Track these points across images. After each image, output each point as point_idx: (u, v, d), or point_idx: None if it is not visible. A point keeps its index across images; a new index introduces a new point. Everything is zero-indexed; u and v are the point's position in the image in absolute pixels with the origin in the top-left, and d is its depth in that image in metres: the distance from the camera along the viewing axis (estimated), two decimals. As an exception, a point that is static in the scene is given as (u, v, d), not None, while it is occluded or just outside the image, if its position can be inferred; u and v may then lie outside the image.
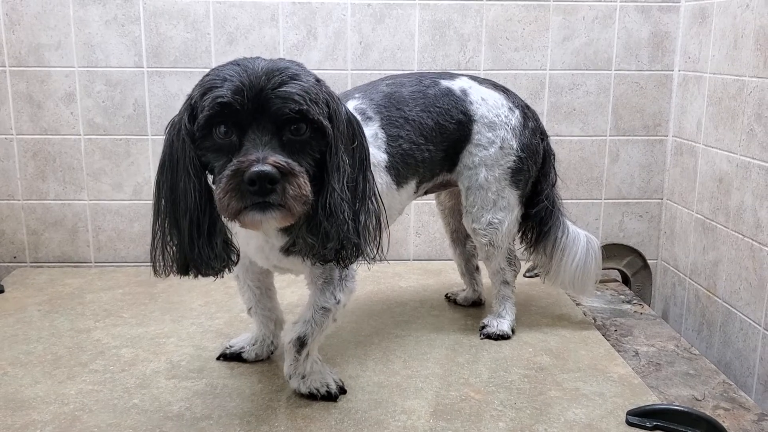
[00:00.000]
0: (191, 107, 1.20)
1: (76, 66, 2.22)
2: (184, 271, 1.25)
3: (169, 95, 2.25)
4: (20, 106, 2.24)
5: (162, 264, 1.26)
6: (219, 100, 1.14)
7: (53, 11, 2.18)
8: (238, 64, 1.18)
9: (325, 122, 1.19)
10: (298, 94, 1.15)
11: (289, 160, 1.14)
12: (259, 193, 1.11)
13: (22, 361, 1.65)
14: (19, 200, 2.31)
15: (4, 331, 1.82)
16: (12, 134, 2.26)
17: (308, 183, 1.16)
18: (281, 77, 1.16)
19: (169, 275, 1.28)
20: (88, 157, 2.29)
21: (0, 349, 1.71)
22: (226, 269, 1.27)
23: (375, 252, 1.33)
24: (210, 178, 1.23)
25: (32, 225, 2.33)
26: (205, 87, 1.17)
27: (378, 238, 1.33)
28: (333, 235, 1.24)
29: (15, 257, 2.35)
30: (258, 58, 1.21)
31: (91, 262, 2.37)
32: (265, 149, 1.13)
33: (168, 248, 1.25)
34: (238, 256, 1.29)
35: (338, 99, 1.27)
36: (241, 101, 1.14)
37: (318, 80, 1.23)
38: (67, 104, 2.25)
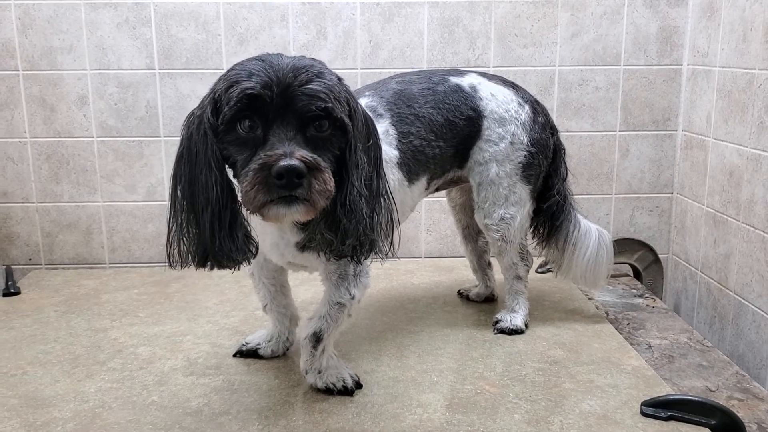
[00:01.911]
0: (214, 101, 1.21)
1: (89, 69, 2.25)
2: (202, 263, 1.25)
3: (180, 96, 2.27)
4: (33, 109, 2.26)
5: (178, 256, 1.26)
6: (249, 92, 1.15)
7: (65, 15, 2.21)
8: (263, 60, 1.19)
9: (347, 120, 1.21)
10: (324, 92, 1.17)
11: (315, 156, 1.16)
12: (287, 187, 1.12)
13: (41, 361, 1.67)
14: (33, 203, 2.33)
15: (22, 331, 1.84)
16: (26, 137, 2.28)
17: (332, 178, 1.18)
18: (307, 75, 1.17)
19: (184, 267, 1.28)
20: (102, 159, 2.31)
21: (19, 349, 1.73)
22: (246, 261, 1.28)
23: (388, 248, 1.35)
24: (230, 171, 1.24)
25: (47, 227, 2.35)
26: (231, 80, 1.18)
27: (390, 235, 1.35)
28: (352, 232, 1.25)
29: (30, 259, 2.37)
30: (280, 54, 1.22)
31: (105, 264, 2.39)
32: (291, 144, 1.15)
33: (185, 240, 1.25)
34: (257, 248, 1.30)
35: (356, 98, 1.29)
36: (270, 95, 1.15)
37: (339, 79, 1.24)
38: (79, 107, 2.27)
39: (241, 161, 1.19)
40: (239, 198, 1.22)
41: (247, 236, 1.26)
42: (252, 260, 1.30)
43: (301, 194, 1.14)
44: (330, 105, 1.17)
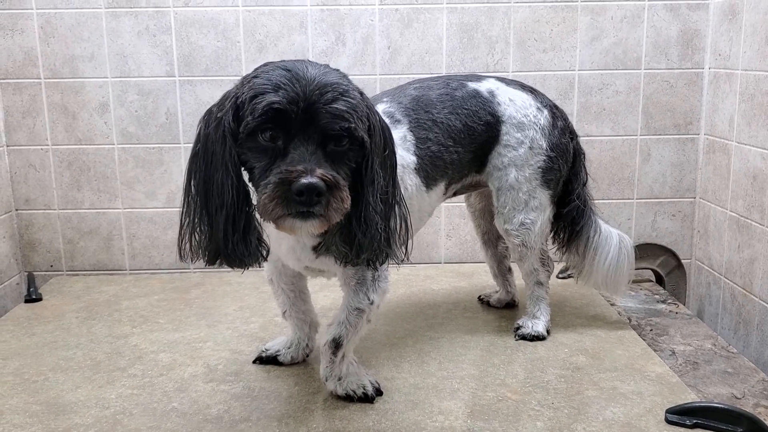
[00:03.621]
0: (237, 107, 1.20)
1: (110, 76, 2.26)
2: (212, 261, 1.26)
3: (200, 103, 2.28)
4: (55, 116, 2.28)
5: (189, 250, 1.27)
6: (275, 106, 1.15)
7: (86, 23, 2.22)
8: (289, 70, 1.18)
9: (366, 137, 1.21)
10: (348, 112, 1.17)
11: (334, 173, 1.16)
12: (305, 204, 1.13)
13: (62, 367, 1.67)
14: (55, 209, 2.35)
15: (43, 337, 1.85)
16: (48, 145, 2.30)
17: (349, 196, 1.18)
18: (333, 93, 1.17)
19: (195, 261, 1.28)
20: (122, 166, 2.32)
21: (40, 355, 1.74)
22: (256, 264, 1.28)
23: (403, 254, 1.35)
24: (245, 174, 1.24)
25: (68, 234, 2.37)
26: (257, 90, 1.17)
27: (405, 241, 1.35)
28: (366, 246, 1.27)
29: (52, 266, 2.39)
30: (305, 62, 1.21)
31: (126, 270, 2.40)
32: (311, 159, 1.15)
33: (196, 236, 1.26)
34: (269, 251, 1.29)
35: (376, 110, 1.29)
36: (295, 111, 1.15)
37: (361, 93, 1.24)
38: (100, 114, 2.28)
39: (259, 169, 1.19)
40: (254, 202, 1.22)
41: (260, 240, 1.27)
42: (263, 262, 1.30)
43: (318, 210, 1.14)
44: (353, 125, 1.17)
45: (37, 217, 2.35)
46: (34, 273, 2.32)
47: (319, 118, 1.16)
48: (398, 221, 1.32)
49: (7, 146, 2.30)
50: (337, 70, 1.24)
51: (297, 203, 1.13)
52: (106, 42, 2.24)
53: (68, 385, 1.58)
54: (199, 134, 1.26)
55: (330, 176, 1.14)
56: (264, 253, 1.28)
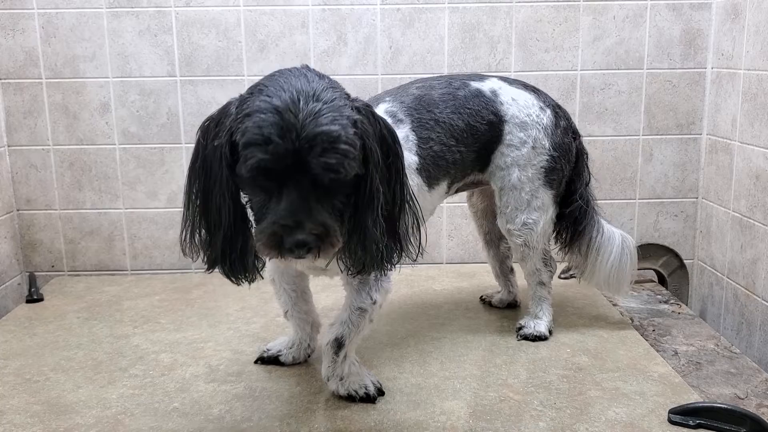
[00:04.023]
0: (232, 143, 1.18)
1: (111, 76, 2.26)
2: (211, 267, 1.28)
3: (201, 103, 2.28)
4: (56, 117, 2.28)
5: (190, 249, 1.28)
6: (263, 164, 1.15)
7: (88, 23, 2.22)
8: (280, 112, 1.14)
9: (360, 170, 1.20)
10: (339, 163, 1.15)
11: (326, 218, 1.18)
12: (297, 255, 1.17)
13: (63, 367, 1.67)
14: (56, 210, 2.34)
15: (45, 338, 1.84)
16: (49, 145, 2.30)
17: (341, 237, 1.20)
18: (323, 145, 1.14)
19: (196, 260, 1.30)
20: (123, 166, 2.32)
21: (42, 356, 1.74)
22: (255, 281, 1.31)
23: (417, 252, 1.35)
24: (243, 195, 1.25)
25: (69, 234, 2.36)
26: (248, 139, 1.15)
27: (418, 238, 1.35)
28: (368, 263, 1.27)
29: (53, 266, 2.38)
30: (299, 92, 1.17)
31: (127, 270, 2.40)
32: (302, 206, 1.16)
33: (196, 240, 1.27)
34: (264, 264, 1.31)
35: (374, 130, 1.24)
36: (284, 165, 1.15)
37: (355, 123, 1.19)
38: (102, 114, 2.28)
39: (256, 204, 1.21)
40: (252, 222, 1.25)
41: (257, 257, 1.28)
42: (258, 278, 1.32)
43: (311, 254, 1.18)
44: (344, 173, 1.16)
45: (38, 218, 2.35)
46: (36, 273, 2.32)
47: (311, 169, 1.15)
48: (410, 220, 1.32)
49: (9, 146, 2.29)
50: (333, 87, 1.21)
51: (289, 252, 1.16)
52: (107, 42, 2.24)
53: (69, 385, 1.58)
54: (197, 146, 1.25)
55: (320, 228, 1.16)
56: (259, 267, 1.30)
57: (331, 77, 1.26)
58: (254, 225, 1.22)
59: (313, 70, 1.25)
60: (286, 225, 1.15)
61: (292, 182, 1.16)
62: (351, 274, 1.32)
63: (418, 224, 1.33)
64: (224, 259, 1.25)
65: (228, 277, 1.28)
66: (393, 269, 1.36)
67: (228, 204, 1.21)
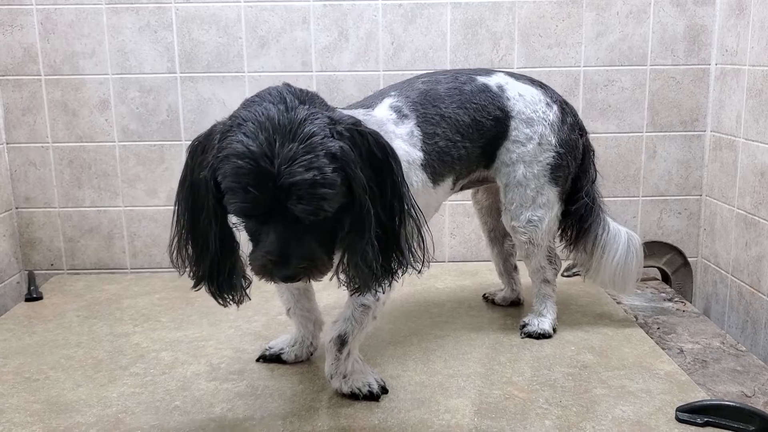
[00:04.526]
0: (215, 180, 1.19)
1: (110, 73, 2.24)
2: (197, 285, 1.30)
3: (202, 100, 2.26)
4: (56, 114, 2.26)
5: (178, 262, 1.30)
6: (244, 210, 1.18)
7: (87, 19, 2.20)
8: (255, 159, 1.13)
9: (344, 200, 1.19)
10: (317, 206, 1.15)
11: (313, 249, 1.20)
12: (288, 283, 1.27)
13: (63, 366, 1.65)
14: (55, 208, 2.33)
15: (44, 336, 1.83)
16: (48, 142, 2.28)
17: (329, 263, 1.24)
18: (298, 193, 1.14)
19: (183, 273, 1.31)
20: (123, 164, 2.30)
21: (41, 354, 1.72)
22: (242, 302, 1.32)
23: (421, 263, 1.32)
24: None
25: (69, 232, 2.35)
26: (228, 183, 1.16)
27: (422, 248, 1.32)
28: (362, 285, 1.26)
29: (52, 264, 2.37)
30: (276, 130, 1.15)
31: (127, 269, 2.38)
32: (288, 238, 1.18)
33: (184, 252, 1.29)
34: (250, 284, 1.32)
35: (360, 151, 1.21)
36: (265, 210, 1.17)
37: (334, 157, 1.17)
38: (101, 111, 2.26)
39: (247, 229, 1.24)
40: (239, 242, 1.28)
41: (244, 277, 1.30)
42: (245, 299, 1.33)
43: (302, 281, 1.25)
44: (323, 213, 1.17)
45: (37, 216, 2.33)
46: (35, 272, 2.30)
47: (292, 211, 1.16)
48: (413, 231, 1.29)
49: (7, 144, 2.27)
50: (312, 114, 1.18)
51: (280, 281, 1.23)
52: (106, 38, 2.22)
53: (69, 384, 1.56)
54: (186, 167, 1.25)
55: (306, 261, 1.19)
56: (246, 287, 1.32)
57: (312, 91, 1.26)
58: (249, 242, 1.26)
59: (293, 90, 1.22)
60: (273, 260, 1.19)
61: (277, 218, 1.17)
62: (349, 292, 1.32)
63: (422, 235, 1.30)
64: (212, 281, 1.28)
65: (215, 297, 1.30)
66: (390, 286, 1.34)
67: (215, 231, 1.23)
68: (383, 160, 1.23)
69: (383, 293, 1.40)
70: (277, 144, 1.14)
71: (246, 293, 1.31)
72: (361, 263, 1.23)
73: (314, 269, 1.21)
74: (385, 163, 1.24)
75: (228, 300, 1.30)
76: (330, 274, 1.27)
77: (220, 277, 1.27)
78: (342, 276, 1.27)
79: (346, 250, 1.25)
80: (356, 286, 1.27)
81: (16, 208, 2.32)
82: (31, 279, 2.21)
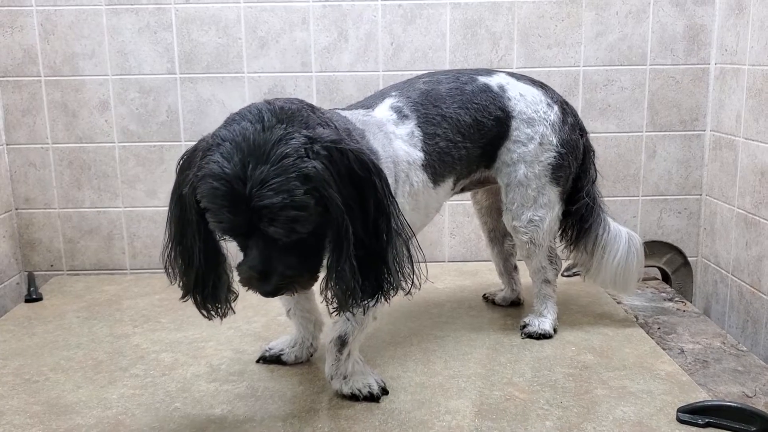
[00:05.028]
0: (196, 198, 1.21)
1: (110, 74, 2.24)
2: (184, 296, 1.33)
3: (201, 101, 2.26)
4: (55, 115, 2.26)
5: (168, 270, 1.33)
6: (222, 228, 1.21)
7: (87, 20, 2.20)
8: (229, 182, 1.15)
9: (321, 219, 1.19)
10: (289, 228, 1.16)
11: (293, 265, 1.22)
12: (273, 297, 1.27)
13: (63, 367, 1.65)
14: (55, 209, 2.32)
15: (44, 337, 1.82)
16: (48, 143, 2.28)
17: (312, 279, 1.27)
18: (269, 215, 1.15)
19: (175, 283, 1.34)
20: (123, 165, 2.30)
21: (41, 356, 1.72)
22: (226, 315, 1.35)
23: (410, 285, 1.30)
24: None
25: (68, 233, 2.34)
26: (204, 205, 1.19)
27: (411, 270, 1.29)
28: (342, 306, 1.26)
29: (52, 265, 2.36)
30: (248, 162, 1.15)
31: (126, 269, 2.38)
32: (269, 255, 1.20)
33: (172, 266, 1.32)
34: (237, 297, 1.35)
35: (339, 169, 1.19)
36: (242, 231, 1.19)
37: (307, 179, 1.15)
38: (101, 112, 2.26)
39: (234, 241, 1.26)
40: (225, 254, 1.31)
41: (230, 290, 1.33)
42: (230, 313, 1.36)
43: (287, 294, 1.29)
44: (296, 235, 1.18)
45: (37, 217, 2.33)
46: (35, 273, 2.30)
47: (266, 231, 1.17)
48: (401, 252, 1.26)
49: (7, 145, 2.27)
50: (288, 134, 1.18)
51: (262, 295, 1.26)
52: (106, 39, 2.22)
53: (69, 386, 1.56)
54: (176, 180, 1.27)
55: (287, 279, 1.22)
56: (232, 302, 1.35)
57: (298, 106, 1.25)
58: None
59: (274, 108, 1.21)
60: (254, 277, 1.22)
61: (258, 234, 1.19)
62: (329, 312, 1.31)
63: (410, 255, 1.28)
64: (196, 295, 1.30)
65: (199, 309, 1.33)
66: (378, 304, 1.32)
67: (199, 246, 1.26)
68: (365, 177, 1.21)
69: (364, 314, 1.42)
70: (250, 166, 1.15)
71: (231, 306, 1.34)
72: (339, 282, 1.22)
73: (295, 285, 1.24)
74: (367, 181, 1.21)
75: (213, 313, 1.33)
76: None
77: (204, 290, 1.30)
78: (326, 294, 1.26)
79: (327, 269, 1.24)
80: (335, 306, 1.26)
81: (16, 209, 2.32)
82: (31, 280, 2.21)
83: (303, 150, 1.17)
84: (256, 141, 1.16)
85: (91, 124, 2.27)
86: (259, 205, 1.14)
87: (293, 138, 1.17)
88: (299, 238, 1.18)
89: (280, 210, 1.14)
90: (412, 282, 1.30)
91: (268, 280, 1.21)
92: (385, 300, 1.29)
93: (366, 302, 1.27)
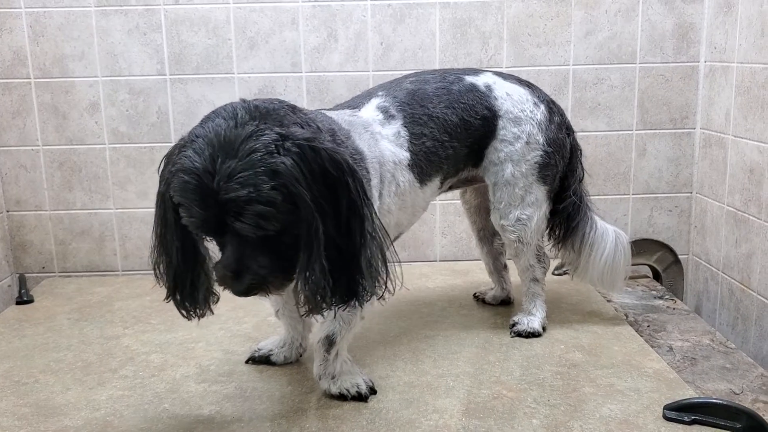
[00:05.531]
0: (171, 197, 1.22)
1: (100, 76, 2.24)
2: (167, 296, 1.34)
3: (191, 102, 2.26)
4: (46, 117, 2.26)
5: (157, 274, 1.34)
6: (193, 224, 1.21)
7: (76, 22, 2.20)
8: (199, 176, 1.16)
9: (289, 217, 1.18)
10: (255, 223, 1.16)
11: (265, 265, 1.21)
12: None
13: (53, 369, 1.65)
14: (46, 210, 2.32)
15: (34, 339, 1.83)
16: (38, 145, 2.28)
17: (286, 280, 1.25)
18: (235, 209, 1.15)
19: (162, 286, 1.35)
20: (113, 166, 2.30)
21: (31, 358, 1.72)
22: (204, 316, 1.35)
23: (383, 290, 1.29)
24: None
25: (60, 235, 2.34)
26: (176, 200, 1.20)
27: (384, 274, 1.28)
28: (313, 307, 1.25)
29: (43, 267, 2.36)
30: (218, 156, 1.16)
31: (118, 271, 2.38)
32: (241, 253, 1.21)
33: (158, 265, 1.33)
34: (218, 299, 1.35)
35: (311, 168, 1.18)
36: (212, 225, 1.20)
37: (275, 174, 1.15)
38: (91, 114, 2.26)
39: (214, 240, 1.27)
40: (204, 254, 1.31)
41: (209, 291, 1.33)
42: (209, 313, 1.36)
43: (260, 295, 1.28)
44: (263, 231, 1.17)
45: (28, 219, 2.33)
46: (26, 275, 2.30)
47: (236, 228, 1.17)
48: (374, 256, 1.25)
49: (-3, 147, 2.28)
50: (260, 131, 1.18)
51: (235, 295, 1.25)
52: (96, 41, 2.22)
53: (58, 387, 1.56)
54: (160, 176, 1.27)
55: (258, 278, 1.22)
56: (212, 304, 1.35)
57: (276, 106, 1.25)
58: None
59: (248, 106, 1.22)
60: (228, 276, 1.22)
61: (232, 232, 1.19)
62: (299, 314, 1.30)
63: (384, 259, 1.26)
64: (174, 295, 1.32)
65: (179, 310, 1.34)
66: (344, 310, 1.34)
67: (176, 245, 1.27)
68: (338, 177, 1.20)
69: (334, 317, 1.42)
70: (219, 160, 1.15)
71: (210, 308, 1.34)
72: (308, 282, 1.21)
73: (268, 285, 1.24)
74: (340, 181, 1.20)
75: (191, 313, 1.33)
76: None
77: (183, 290, 1.30)
78: (297, 295, 1.25)
79: (298, 268, 1.23)
80: (305, 309, 1.25)
81: (7, 211, 2.32)
82: (22, 282, 2.21)
83: (273, 146, 1.16)
84: (227, 137, 1.17)
85: (81, 125, 2.27)
86: (225, 198, 1.14)
87: (264, 134, 1.17)
88: (271, 236, 1.18)
89: (246, 204, 1.14)
90: (386, 286, 1.28)
91: (241, 279, 1.21)
92: (359, 304, 1.28)
93: (337, 305, 1.25)
